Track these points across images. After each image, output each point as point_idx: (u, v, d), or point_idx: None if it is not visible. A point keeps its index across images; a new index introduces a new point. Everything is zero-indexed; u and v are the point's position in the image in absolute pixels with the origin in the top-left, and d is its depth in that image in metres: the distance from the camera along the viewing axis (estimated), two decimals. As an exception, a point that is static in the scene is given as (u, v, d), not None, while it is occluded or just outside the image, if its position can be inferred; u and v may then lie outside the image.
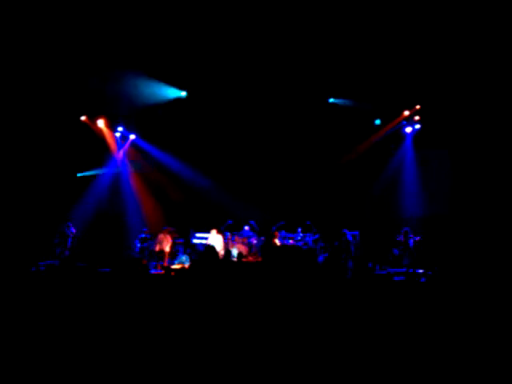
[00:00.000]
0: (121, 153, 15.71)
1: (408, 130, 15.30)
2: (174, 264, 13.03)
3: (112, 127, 15.32)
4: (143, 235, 14.08)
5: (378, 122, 15.42)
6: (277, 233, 13.85)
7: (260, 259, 12.83)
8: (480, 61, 12.17)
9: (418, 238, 13.49)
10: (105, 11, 11.21)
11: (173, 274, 6.65)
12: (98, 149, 15.20)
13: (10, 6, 10.71)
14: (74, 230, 13.38)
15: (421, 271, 11.68)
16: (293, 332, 4.61)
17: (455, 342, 4.77)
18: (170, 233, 14.08)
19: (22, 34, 11.42)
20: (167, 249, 13.74)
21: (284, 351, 4.29)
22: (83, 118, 14.67)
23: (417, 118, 14.98)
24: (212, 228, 13.94)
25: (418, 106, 14.80)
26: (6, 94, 12.52)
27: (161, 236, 13.89)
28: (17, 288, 6.16)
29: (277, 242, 13.70)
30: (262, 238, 14.11)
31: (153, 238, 14.09)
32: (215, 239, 13.60)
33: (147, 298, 5.48)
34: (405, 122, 15.28)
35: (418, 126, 15.05)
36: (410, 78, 13.32)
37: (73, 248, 13.26)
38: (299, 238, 14.28)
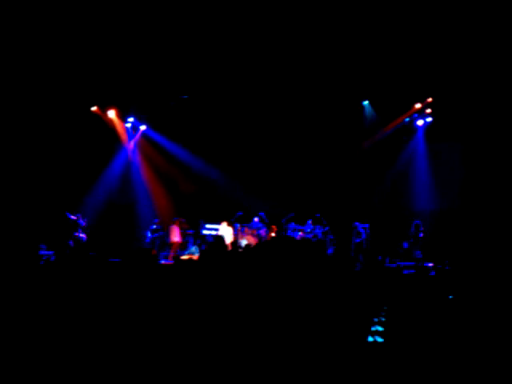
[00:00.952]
0: (131, 143, 15.79)
1: (420, 122, 15.16)
2: (183, 255, 13.12)
3: (123, 118, 15.37)
4: (154, 226, 14.19)
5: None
6: (274, 227, 13.86)
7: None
8: (493, 54, 11.99)
9: (423, 232, 13.45)
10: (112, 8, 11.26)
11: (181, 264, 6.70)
12: (109, 139, 15.28)
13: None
14: (82, 222, 13.46)
15: (431, 265, 11.62)
16: (299, 324, 4.62)
17: (464, 336, 4.75)
18: (180, 223, 14.17)
19: (34, 25, 11.47)
20: (176, 239, 13.85)
21: (290, 343, 4.30)
22: (94, 108, 14.72)
23: (428, 110, 14.82)
24: (222, 219, 14.00)
25: (429, 99, 14.65)
26: (18, 84, 12.60)
27: (172, 227, 14.00)
28: (27, 277, 6.23)
29: (272, 235, 13.71)
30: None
31: (164, 229, 14.21)
32: (226, 231, 13.65)
33: (156, 288, 5.51)
34: (416, 115, 15.15)
35: (429, 119, 14.90)
36: (422, 70, 13.17)
37: (83, 238, 13.39)
38: (309, 230, 14.27)
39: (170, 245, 13.92)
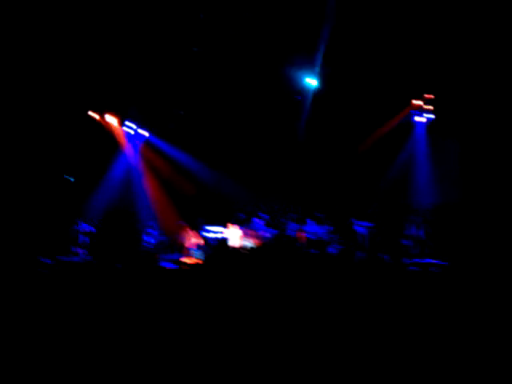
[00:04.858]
0: (131, 147, 15.76)
1: (420, 119, 15.14)
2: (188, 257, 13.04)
3: (122, 122, 15.35)
4: (154, 230, 14.15)
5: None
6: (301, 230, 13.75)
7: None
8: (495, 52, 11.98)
9: (423, 228, 13.42)
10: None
11: (186, 268, 6.68)
12: (108, 144, 15.28)
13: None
14: (86, 227, 13.48)
15: (434, 261, 11.61)
16: (300, 324, 4.62)
17: (467, 333, 4.75)
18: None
19: (29, 26, 11.45)
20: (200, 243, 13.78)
21: (291, 344, 4.31)
22: (92, 113, 14.69)
23: (429, 107, 14.81)
24: (223, 222, 13.90)
25: (430, 96, 14.64)
26: (15, 88, 12.57)
27: (191, 232, 13.94)
28: (31, 284, 6.23)
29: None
30: (275, 232, 13.99)
31: (165, 234, 14.19)
32: (233, 233, 13.48)
33: (160, 292, 5.52)
34: (417, 112, 15.13)
35: (430, 116, 14.89)
36: (423, 65, 13.18)
37: (88, 244, 13.37)
38: (309, 229, 14.21)
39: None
